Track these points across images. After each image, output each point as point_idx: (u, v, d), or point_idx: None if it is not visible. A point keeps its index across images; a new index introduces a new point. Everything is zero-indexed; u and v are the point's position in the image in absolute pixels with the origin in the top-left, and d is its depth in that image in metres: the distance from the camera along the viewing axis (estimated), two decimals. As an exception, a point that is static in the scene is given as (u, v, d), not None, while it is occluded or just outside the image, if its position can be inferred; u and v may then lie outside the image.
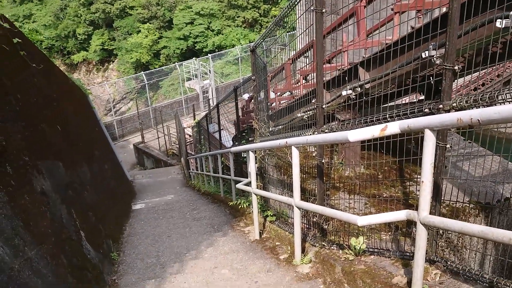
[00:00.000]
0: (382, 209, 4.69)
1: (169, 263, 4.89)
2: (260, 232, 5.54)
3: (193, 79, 29.76)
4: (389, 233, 3.99)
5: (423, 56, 3.71)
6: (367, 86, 4.44)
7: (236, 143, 9.66)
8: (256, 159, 6.31)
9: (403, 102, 6.37)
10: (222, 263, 4.58)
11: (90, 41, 38.58)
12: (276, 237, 5.20)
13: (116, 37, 37.95)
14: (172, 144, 24.07)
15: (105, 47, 38.35)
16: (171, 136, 24.08)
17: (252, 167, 5.20)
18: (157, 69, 31.64)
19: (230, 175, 8.69)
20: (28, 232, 2.93)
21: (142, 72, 30.08)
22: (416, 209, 2.61)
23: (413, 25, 4.34)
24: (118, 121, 26.66)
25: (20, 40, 5.29)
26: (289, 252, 4.58)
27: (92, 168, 8.14)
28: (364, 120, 3.35)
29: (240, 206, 6.85)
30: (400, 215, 2.73)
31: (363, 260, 3.56)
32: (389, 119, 3.15)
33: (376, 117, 3.24)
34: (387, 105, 5.35)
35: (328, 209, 3.39)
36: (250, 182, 6.52)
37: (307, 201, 4.34)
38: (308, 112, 5.34)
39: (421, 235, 2.57)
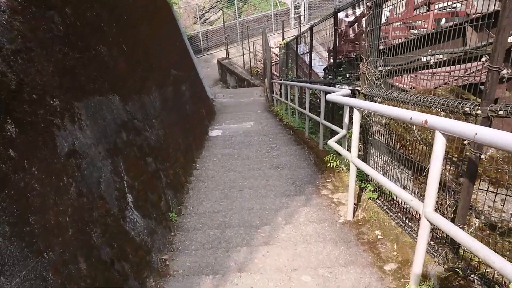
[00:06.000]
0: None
1: (235, 243, 3.86)
2: (354, 207, 4.29)
3: (286, -9, 27.42)
4: None
5: None
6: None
7: (329, 77, 8.13)
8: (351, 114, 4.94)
9: None
10: (303, 258, 3.44)
11: None
12: (376, 223, 3.92)
13: None
14: (257, 62, 22.77)
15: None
16: (256, 53, 22.71)
17: (355, 130, 3.82)
18: (249, -22, 29.44)
19: (318, 110, 7.39)
20: (18, 243, 1.92)
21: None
22: None
23: None
24: (203, 33, 25.63)
25: None
26: (398, 258, 3.30)
27: (165, 93, 7.21)
28: None
29: (329, 164, 5.58)
30: None
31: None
32: None
33: None
34: None
35: (498, 257, 1.99)
36: (345, 137, 5.18)
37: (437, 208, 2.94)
38: (439, 56, 3.79)
39: None
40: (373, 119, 4.31)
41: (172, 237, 4.04)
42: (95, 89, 3.86)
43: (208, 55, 25.85)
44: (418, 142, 3.38)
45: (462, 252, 2.79)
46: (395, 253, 3.41)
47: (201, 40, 25.28)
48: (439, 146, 2.28)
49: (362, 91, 4.40)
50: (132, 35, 6.13)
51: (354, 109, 3.77)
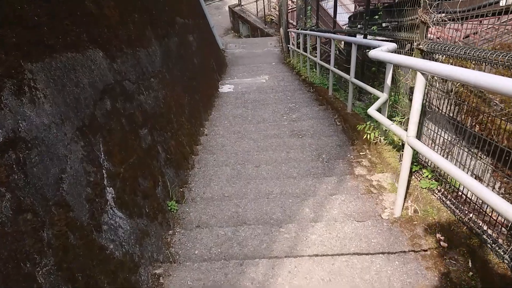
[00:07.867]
0: None
1: (252, 249, 2.95)
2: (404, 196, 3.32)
3: None
4: None
5: None
6: None
7: (357, 26, 6.94)
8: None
9: None
10: (344, 280, 2.52)
11: None
12: (437, 224, 2.97)
13: None
14: (272, 9, 21.19)
15: None
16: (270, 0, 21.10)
17: (415, 101, 2.79)
18: None
19: (344, 65, 6.29)
20: None
21: None
22: None
23: None
24: (214, -23, 23.89)
25: None
26: (477, 284, 2.38)
27: (168, 45, 6.15)
28: None
29: (364, 133, 4.56)
30: None
31: None
32: None
33: None
34: None
35: None
36: (386, 103, 4.16)
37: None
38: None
39: None
40: (434, 84, 3.26)
41: (170, 237, 3.14)
42: (65, 44, 2.84)
43: (219, 2, 24.22)
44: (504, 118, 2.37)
45: None
46: (471, 273, 2.48)
47: (211, -15, 23.62)
48: None
49: (420, 46, 3.31)
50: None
51: (418, 73, 2.71)
